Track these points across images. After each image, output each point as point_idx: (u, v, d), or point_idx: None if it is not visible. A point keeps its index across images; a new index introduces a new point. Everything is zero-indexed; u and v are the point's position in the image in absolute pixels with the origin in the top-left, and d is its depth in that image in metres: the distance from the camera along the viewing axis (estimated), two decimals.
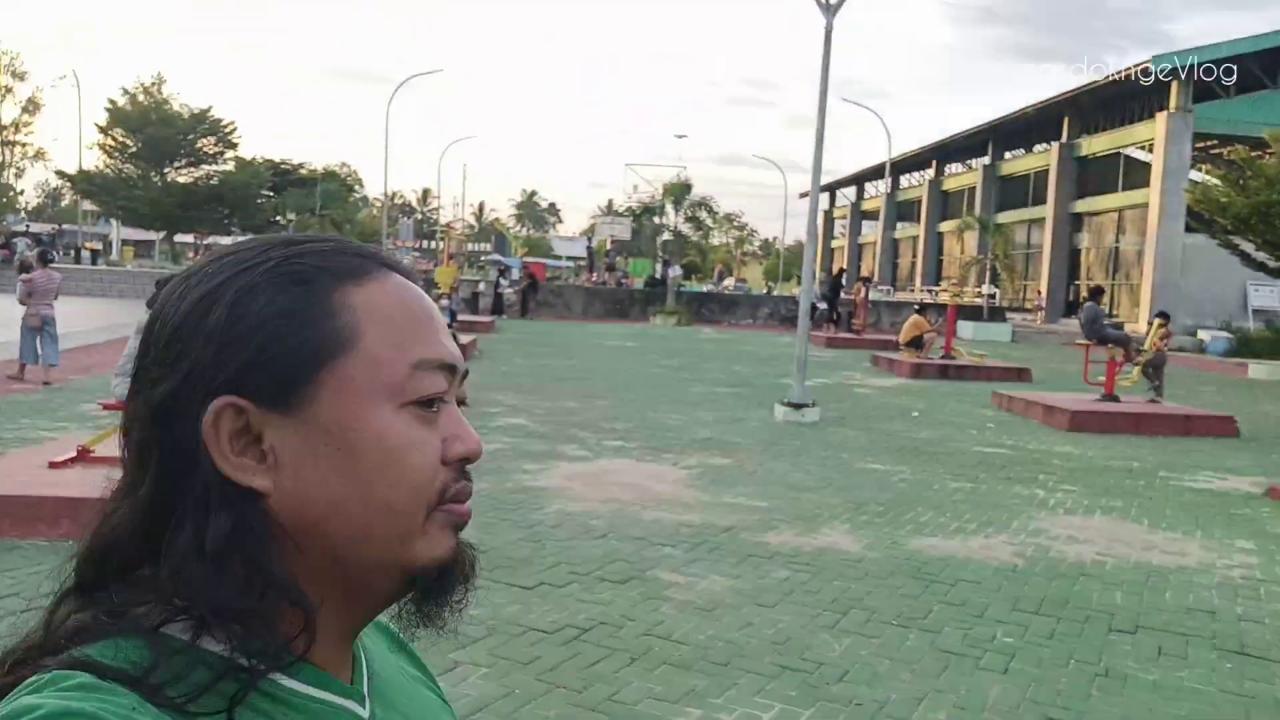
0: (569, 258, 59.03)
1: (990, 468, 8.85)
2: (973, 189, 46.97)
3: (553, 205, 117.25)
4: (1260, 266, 22.28)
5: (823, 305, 28.88)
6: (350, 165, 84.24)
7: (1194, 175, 30.87)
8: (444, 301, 20.56)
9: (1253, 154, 22.02)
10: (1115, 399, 12.63)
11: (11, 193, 58.28)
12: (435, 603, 0.67)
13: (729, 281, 49.86)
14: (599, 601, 4.68)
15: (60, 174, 49.32)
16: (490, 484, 6.85)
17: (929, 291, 40.76)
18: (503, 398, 11.60)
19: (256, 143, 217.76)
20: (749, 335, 27.14)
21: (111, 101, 45.57)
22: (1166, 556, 6.12)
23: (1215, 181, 23.66)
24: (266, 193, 51.59)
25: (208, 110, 47.01)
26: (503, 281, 30.72)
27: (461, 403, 0.70)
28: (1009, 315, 34.01)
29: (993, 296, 36.39)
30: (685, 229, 36.37)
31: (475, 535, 0.68)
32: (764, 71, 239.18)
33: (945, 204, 51.13)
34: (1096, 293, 13.98)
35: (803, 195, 12.04)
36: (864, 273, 44.63)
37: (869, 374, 17.66)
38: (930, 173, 53.43)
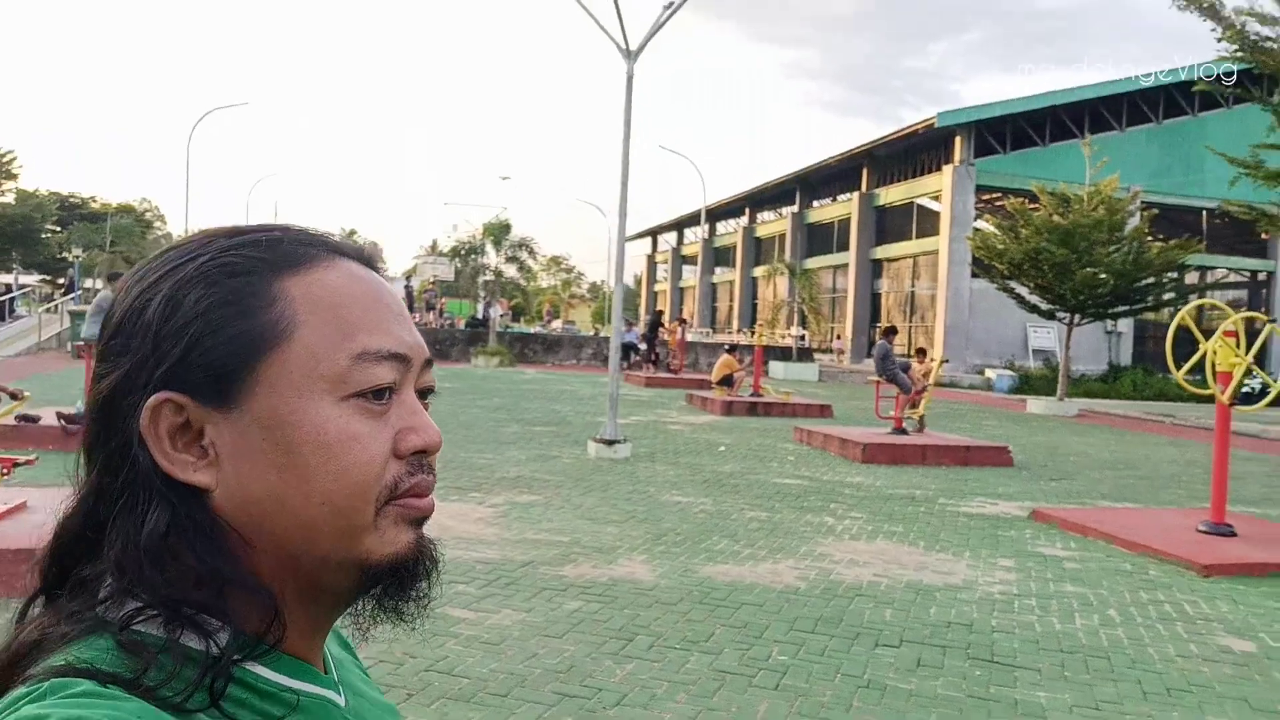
0: None
1: (786, 497, 9.24)
2: (783, 235, 49.17)
3: (373, 244, 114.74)
4: (1034, 309, 24.33)
5: (643, 346, 29.49)
6: (151, 201, 79.87)
7: (980, 224, 33.42)
8: None
9: (1026, 205, 24.10)
10: (904, 432, 13.46)
11: None
12: (397, 597, 0.65)
13: (557, 323, 50.04)
14: (380, 640, 4.58)
15: None
16: None
17: (743, 333, 42.22)
18: None
19: (46, 177, 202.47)
20: (571, 375, 27.30)
21: None
22: (936, 576, 6.56)
23: (993, 230, 25.71)
24: (52, 227, 48.12)
25: None
26: None
27: (429, 391, 0.69)
28: (816, 356, 35.68)
29: (802, 338, 38.05)
30: (508, 269, 36.27)
31: None
32: (593, 118, 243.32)
33: (759, 250, 53.23)
34: (889, 332, 14.86)
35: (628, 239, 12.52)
36: (683, 315, 45.85)
37: (683, 411, 18.11)
38: (745, 220, 55.58)
